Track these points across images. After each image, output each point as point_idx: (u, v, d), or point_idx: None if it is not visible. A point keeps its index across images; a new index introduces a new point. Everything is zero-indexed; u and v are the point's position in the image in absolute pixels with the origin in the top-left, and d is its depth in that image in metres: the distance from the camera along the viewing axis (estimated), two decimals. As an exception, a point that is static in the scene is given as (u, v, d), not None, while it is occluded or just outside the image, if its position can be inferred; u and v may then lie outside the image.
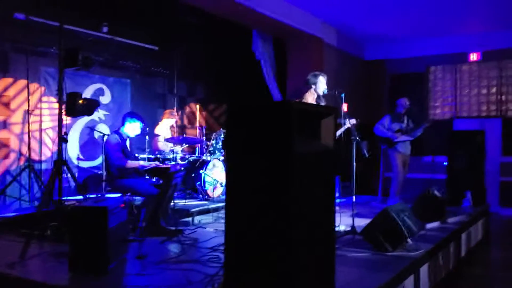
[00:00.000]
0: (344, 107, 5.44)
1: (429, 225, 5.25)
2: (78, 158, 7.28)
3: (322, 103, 5.62)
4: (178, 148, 6.94)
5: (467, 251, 5.74)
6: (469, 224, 5.89)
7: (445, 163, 7.39)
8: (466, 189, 6.77)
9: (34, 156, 6.43)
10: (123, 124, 5.34)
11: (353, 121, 5.40)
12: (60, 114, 4.47)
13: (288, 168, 2.39)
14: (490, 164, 8.33)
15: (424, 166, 8.97)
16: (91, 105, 4.67)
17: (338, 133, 5.60)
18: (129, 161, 5.20)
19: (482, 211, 6.74)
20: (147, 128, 6.87)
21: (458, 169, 7.06)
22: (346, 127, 5.48)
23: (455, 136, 7.46)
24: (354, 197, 5.14)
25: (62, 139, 4.41)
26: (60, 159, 4.38)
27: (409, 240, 4.17)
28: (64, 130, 4.54)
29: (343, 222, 5.14)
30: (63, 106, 4.51)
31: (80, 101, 4.52)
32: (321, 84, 5.50)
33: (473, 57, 9.67)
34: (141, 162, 5.40)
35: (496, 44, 9.39)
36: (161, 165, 5.40)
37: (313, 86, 5.49)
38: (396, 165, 7.35)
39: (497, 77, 9.63)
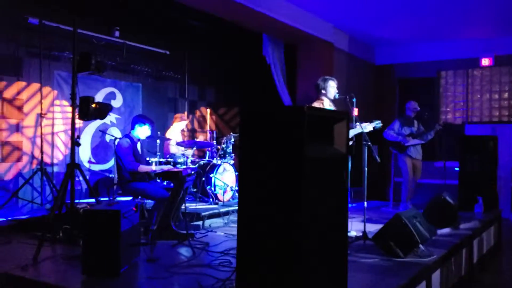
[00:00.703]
0: (355, 112, 5.42)
1: (441, 231, 5.21)
2: (90, 161, 7.33)
3: (332, 108, 5.61)
4: (189, 152, 6.97)
5: (479, 257, 5.69)
6: (481, 230, 5.84)
7: (456, 169, 7.33)
8: (478, 194, 6.72)
9: (46, 159, 6.48)
10: (133, 128, 5.42)
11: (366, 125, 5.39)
12: (73, 118, 4.51)
13: (300, 173, 2.39)
14: (502, 169, 8.26)
15: (436, 171, 8.91)
16: (104, 109, 4.70)
17: (350, 135, 5.59)
18: (141, 165, 5.26)
19: (494, 217, 6.67)
20: (159, 132, 6.92)
21: (470, 174, 7.00)
22: (358, 131, 5.46)
23: (467, 141, 7.40)
24: (365, 202, 5.11)
25: (75, 143, 4.44)
26: (73, 163, 4.41)
27: (420, 246, 4.15)
28: (76, 133, 4.57)
29: (354, 228, 5.12)
30: (76, 110, 4.55)
31: (93, 105, 4.55)
32: (331, 89, 5.46)
33: (485, 62, 9.60)
34: (153, 167, 5.46)
35: (508, 49, 9.32)
36: (173, 169, 5.43)
37: (323, 91, 5.47)
38: (405, 171, 7.31)
39: (510, 82, 9.55)
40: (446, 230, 5.31)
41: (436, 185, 8.39)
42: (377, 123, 5.41)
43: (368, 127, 5.27)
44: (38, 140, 6.37)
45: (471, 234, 5.33)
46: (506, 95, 9.61)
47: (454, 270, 4.63)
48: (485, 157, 7.08)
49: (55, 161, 6.76)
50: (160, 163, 6.30)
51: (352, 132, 5.31)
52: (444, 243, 4.70)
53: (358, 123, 5.25)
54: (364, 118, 5.63)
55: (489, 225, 6.28)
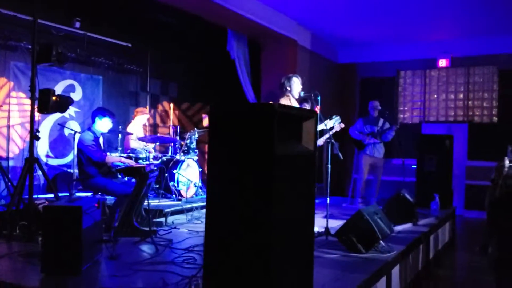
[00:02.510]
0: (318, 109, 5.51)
1: (400, 227, 5.36)
2: (47, 156, 7.11)
3: (308, 106, 5.72)
4: (151, 147, 6.87)
5: (435, 253, 5.89)
6: (437, 227, 6.04)
7: (414, 166, 7.55)
8: (435, 192, 6.94)
9: (1, 153, 6.25)
10: (93, 122, 5.29)
11: (342, 125, 5.62)
12: (32, 111, 4.35)
13: (270, 171, 2.40)
14: (456, 168, 8.56)
15: (394, 169, 9.15)
16: (65, 102, 4.56)
17: (327, 136, 5.70)
18: (108, 156, 5.17)
19: (449, 214, 6.92)
20: (120, 127, 6.78)
21: (427, 172, 7.22)
22: (334, 130, 5.61)
23: (424, 140, 7.63)
24: (328, 198, 5.19)
25: (34, 136, 4.29)
26: (32, 157, 4.27)
27: (381, 242, 4.25)
28: (35, 127, 4.42)
29: (316, 224, 5.16)
30: (36, 102, 4.39)
31: (54, 98, 4.41)
32: (296, 85, 5.55)
33: (442, 63, 9.92)
34: (123, 159, 5.38)
35: (464, 51, 9.66)
36: (138, 165, 5.34)
37: (289, 89, 5.54)
38: (360, 168, 7.55)
39: (465, 83, 9.91)
40: (405, 226, 5.47)
41: (395, 182, 8.61)
42: (336, 119, 5.60)
43: (329, 123, 5.41)
44: (-8, 133, 6.13)
45: (428, 230, 5.51)
46: (461, 95, 9.96)
47: (412, 265, 4.77)
48: (441, 155, 7.31)
49: (11, 155, 6.52)
50: (122, 158, 6.18)
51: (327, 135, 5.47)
52: (402, 239, 4.83)
53: (329, 119, 5.41)
54: (326, 115, 5.72)
55: (444, 221, 6.50)
